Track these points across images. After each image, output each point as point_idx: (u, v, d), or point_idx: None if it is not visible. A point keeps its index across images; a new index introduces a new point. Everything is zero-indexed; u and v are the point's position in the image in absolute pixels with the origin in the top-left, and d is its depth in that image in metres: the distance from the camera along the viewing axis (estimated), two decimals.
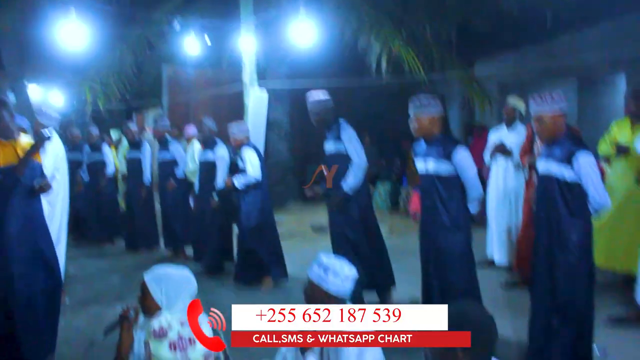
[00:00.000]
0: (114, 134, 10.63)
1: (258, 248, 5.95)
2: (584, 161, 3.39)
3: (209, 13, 10.06)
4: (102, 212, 8.61)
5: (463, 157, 3.96)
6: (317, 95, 5.16)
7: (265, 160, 8.93)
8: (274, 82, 9.18)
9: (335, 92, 10.80)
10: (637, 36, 8.34)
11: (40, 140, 3.90)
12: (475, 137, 10.86)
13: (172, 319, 2.04)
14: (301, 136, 11.03)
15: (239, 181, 5.96)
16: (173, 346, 1.95)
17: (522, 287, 5.21)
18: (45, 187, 3.93)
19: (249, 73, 8.79)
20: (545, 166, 3.58)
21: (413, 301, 5.10)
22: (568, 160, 3.41)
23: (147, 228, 7.97)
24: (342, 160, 5.00)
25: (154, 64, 11.79)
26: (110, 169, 8.63)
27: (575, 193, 3.43)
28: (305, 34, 7.25)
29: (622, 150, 4.95)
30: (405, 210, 9.61)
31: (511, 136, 6.04)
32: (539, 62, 9.66)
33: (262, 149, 8.65)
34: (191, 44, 9.24)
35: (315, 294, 2.79)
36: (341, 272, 2.77)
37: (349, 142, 4.99)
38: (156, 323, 1.99)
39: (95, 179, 8.58)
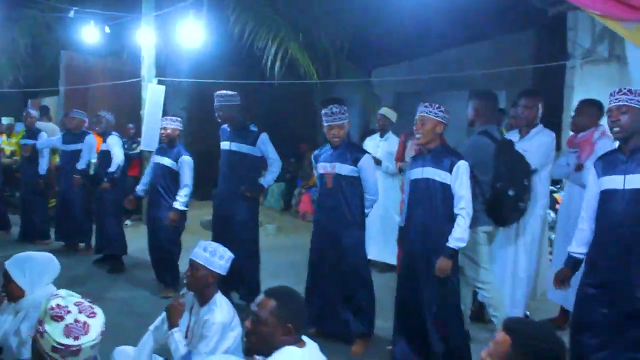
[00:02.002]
0: (5, 120, 10.17)
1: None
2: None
3: (111, 3, 9.94)
4: None
5: (369, 164, 4.35)
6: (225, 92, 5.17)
7: None
8: (172, 77, 9.22)
9: (234, 91, 11.03)
10: (513, 56, 9.06)
11: None
12: None
13: (69, 300, 1.93)
14: (199, 132, 11.08)
15: (183, 202, 5.62)
16: (67, 331, 1.84)
17: None
18: None
19: (147, 66, 8.82)
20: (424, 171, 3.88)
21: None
22: (449, 168, 3.75)
23: (42, 220, 7.77)
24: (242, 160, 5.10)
25: (52, 49, 11.45)
26: None
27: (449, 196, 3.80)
28: (194, 34, 7.37)
29: None
30: (296, 211, 9.92)
31: (383, 144, 6.45)
32: (431, 73, 10.23)
33: (156, 143, 8.69)
34: (90, 33, 9.12)
35: (200, 274, 3.17)
36: (225, 255, 3.24)
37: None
38: (53, 301, 1.89)
39: None
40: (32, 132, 7.72)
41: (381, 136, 6.52)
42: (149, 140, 8.46)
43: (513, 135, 4.69)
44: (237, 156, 5.10)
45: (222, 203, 5.24)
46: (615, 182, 3.24)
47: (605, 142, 4.30)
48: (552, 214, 5.89)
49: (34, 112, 7.94)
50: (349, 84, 9.72)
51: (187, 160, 5.66)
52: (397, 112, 6.67)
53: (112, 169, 6.62)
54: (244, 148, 5.07)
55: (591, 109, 4.45)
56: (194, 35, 7.44)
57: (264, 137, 5.08)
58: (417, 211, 3.90)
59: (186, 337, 3.22)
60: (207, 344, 3.03)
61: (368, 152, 4.45)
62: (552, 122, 6.14)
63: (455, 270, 3.86)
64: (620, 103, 3.20)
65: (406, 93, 11.27)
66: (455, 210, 3.75)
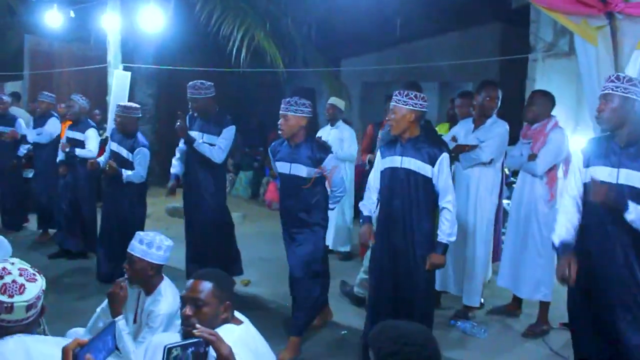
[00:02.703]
0: None
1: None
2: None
3: None
4: None
5: (333, 164, 4.18)
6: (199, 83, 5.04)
7: None
8: (140, 63, 9.14)
9: (202, 78, 10.96)
10: (481, 48, 9.17)
11: None
12: None
13: (16, 266, 2.04)
14: (166, 119, 11.00)
15: (126, 175, 5.45)
16: (3, 289, 1.95)
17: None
18: None
19: (113, 52, 8.70)
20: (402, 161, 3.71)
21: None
22: (431, 160, 3.62)
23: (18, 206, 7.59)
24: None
25: (16, 33, 11.23)
26: None
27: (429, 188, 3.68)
28: (156, 19, 7.32)
29: None
30: (263, 199, 9.94)
31: (333, 132, 6.53)
32: (399, 63, 10.28)
33: None
34: (53, 17, 8.95)
35: (138, 267, 3.15)
36: (162, 245, 3.19)
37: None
38: (1, 264, 2.00)
39: None
40: (7, 119, 7.52)
41: (332, 125, 6.63)
42: None
43: (466, 125, 4.79)
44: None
45: (191, 191, 5.23)
46: (605, 174, 2.93)
47: (558, 133, 4.42)
48: None
49: (7, 98, 7.72)
50: (317, 73, 9.74)
51: (143, 151, 5.49)
52: (365, 102, 6.76)
53: (79, 153, 6.40)
54: (214, 140, 5.01)
55: (543, 99, 4.53)
56: (155, 20, 7.38)
57: (227, 129, 4.99)
58: (395, 201, 3.73)
59: (135, 322, 3.24)
60: (153, 335, 2.98)
61: (331, 151, 4.27)
62: (516, 113, 6.28)
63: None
64: (606, 91, 2.93)
65: (374, 83, 11.33)
66: (442, 204, 3.66)
